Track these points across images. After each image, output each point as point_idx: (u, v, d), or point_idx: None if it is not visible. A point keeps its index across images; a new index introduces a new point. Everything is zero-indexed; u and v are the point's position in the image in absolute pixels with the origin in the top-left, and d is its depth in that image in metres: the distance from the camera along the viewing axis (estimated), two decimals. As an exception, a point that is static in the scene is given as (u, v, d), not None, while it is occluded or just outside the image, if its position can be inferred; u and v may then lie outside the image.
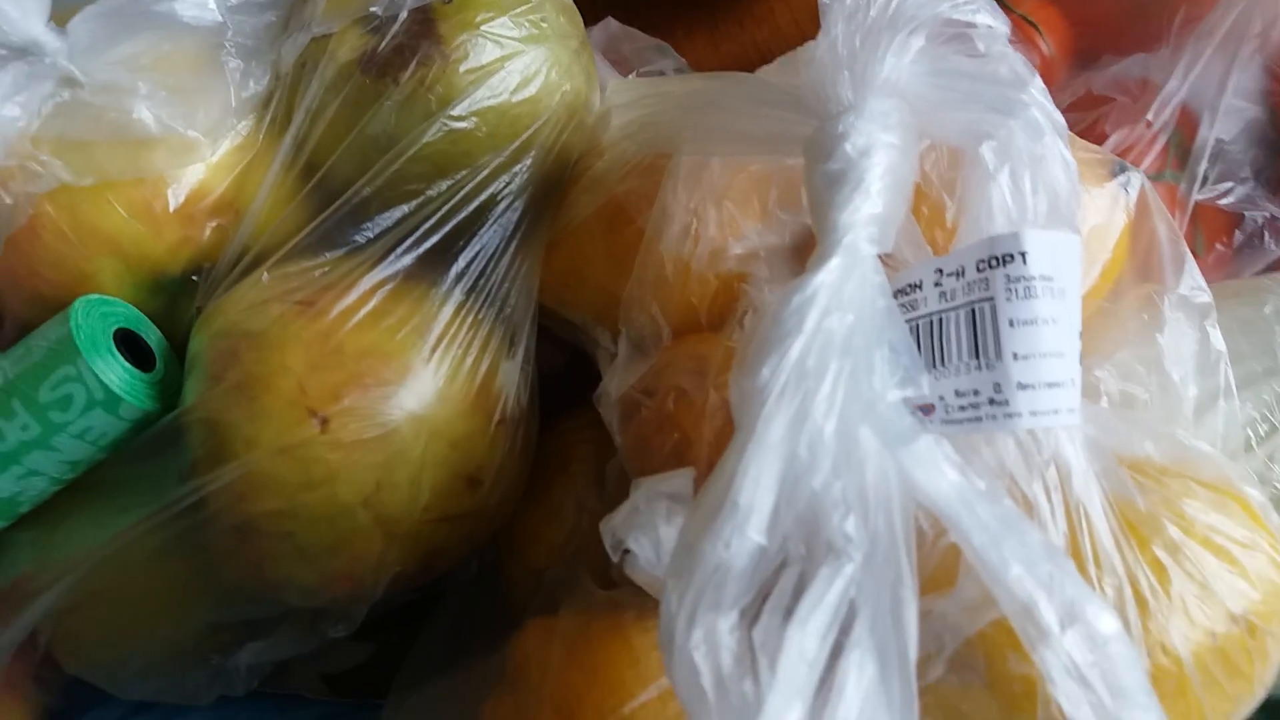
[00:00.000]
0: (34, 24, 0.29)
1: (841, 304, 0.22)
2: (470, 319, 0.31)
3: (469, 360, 0.31)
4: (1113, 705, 0.20)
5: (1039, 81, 0.24)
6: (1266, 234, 0.36)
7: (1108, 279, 0.29)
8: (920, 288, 0.25)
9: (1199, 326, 0.28)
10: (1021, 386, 0.23)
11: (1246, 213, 0.36)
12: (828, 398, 0.21)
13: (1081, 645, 0.20)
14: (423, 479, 0.30)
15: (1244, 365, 0.30)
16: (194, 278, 0.32)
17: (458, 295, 0.31)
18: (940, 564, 0.24)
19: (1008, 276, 0.23)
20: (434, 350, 0.30)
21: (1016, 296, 0.23)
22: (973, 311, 0.23)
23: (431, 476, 0.30)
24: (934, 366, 0.24)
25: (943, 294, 0.24)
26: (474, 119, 0.30)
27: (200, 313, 0.32)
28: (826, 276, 0.23)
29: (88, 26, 0.30)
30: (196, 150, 0.30)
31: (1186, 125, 0.37)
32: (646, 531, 0.25)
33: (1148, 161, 0.36)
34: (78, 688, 0.38)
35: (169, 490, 0.30)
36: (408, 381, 0.29)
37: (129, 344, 0.31)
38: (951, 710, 0.24)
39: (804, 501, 0.21)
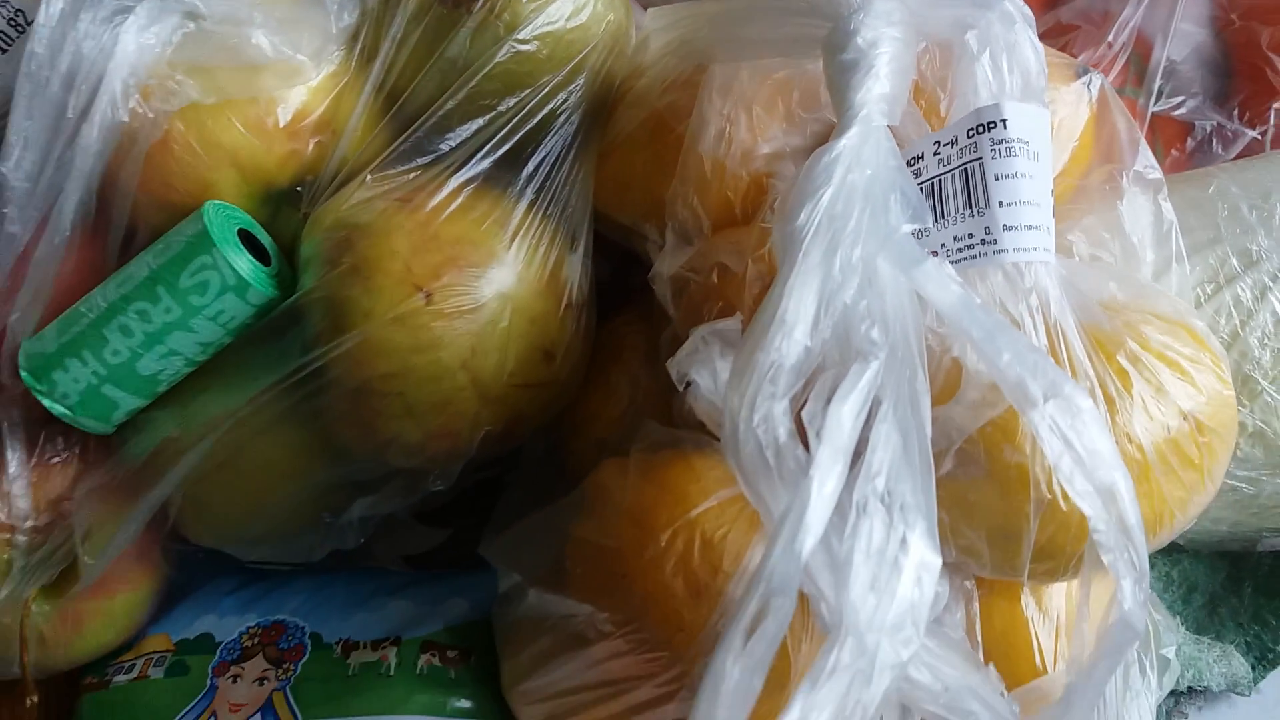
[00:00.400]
0: (165, -33, 0.34)
1: (861, 163, 0.28)
2: (540, 215, 0.36)
3: (540, 250, 0.36)
4: (1089, 461, 0.26)
5: (1013, -17, 0.30)
6: (1214, 139, 0.42)
7: (1077, 162, 0.34)
8: (922, 158, 0.31)
9: (1153, 200, 0.34)
10: (1007, 228, 0.29)
11: (1197, 122, 0.42)
12: (853, 233, 0.27)
13: (1062, 412, 0.26)
14: (508, 348, 0.35)
15: (1192, 236, 0.35)
16: (298, 189, 0.37)
17: (529, 195, 0.36)
18: (946, 378, 0.29)
19: (992, 140, 0.29)
20: (512, 240, 0.35)
21: (1000, 155, 0.29)
22: (965, 171, 0.29)
23: (515, 347, 0.35)
24: (936, 220, 0.30)
25: (940, 160, 0.30)
26: (535, 42, 0.36)
27: (308, 217, 0.37)
28: (848, 142, 0.28)
29: (210, -32, 0.35)
30: (302, 73, 0.36)
31: (1143, 48, 0.43)
32: (705, 364, 0.31)
33: (1110, 78, 0.42)
34: (195, 562, 0.44)
35: (291, 363, 0.35)
36: (493, 264, 0.35)
37: (248, 242, 0.36)
38: (960, 499, 0.30)
39: (838, 314, 0.27)
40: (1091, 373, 0.29)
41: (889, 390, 0.26)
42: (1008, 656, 0.32)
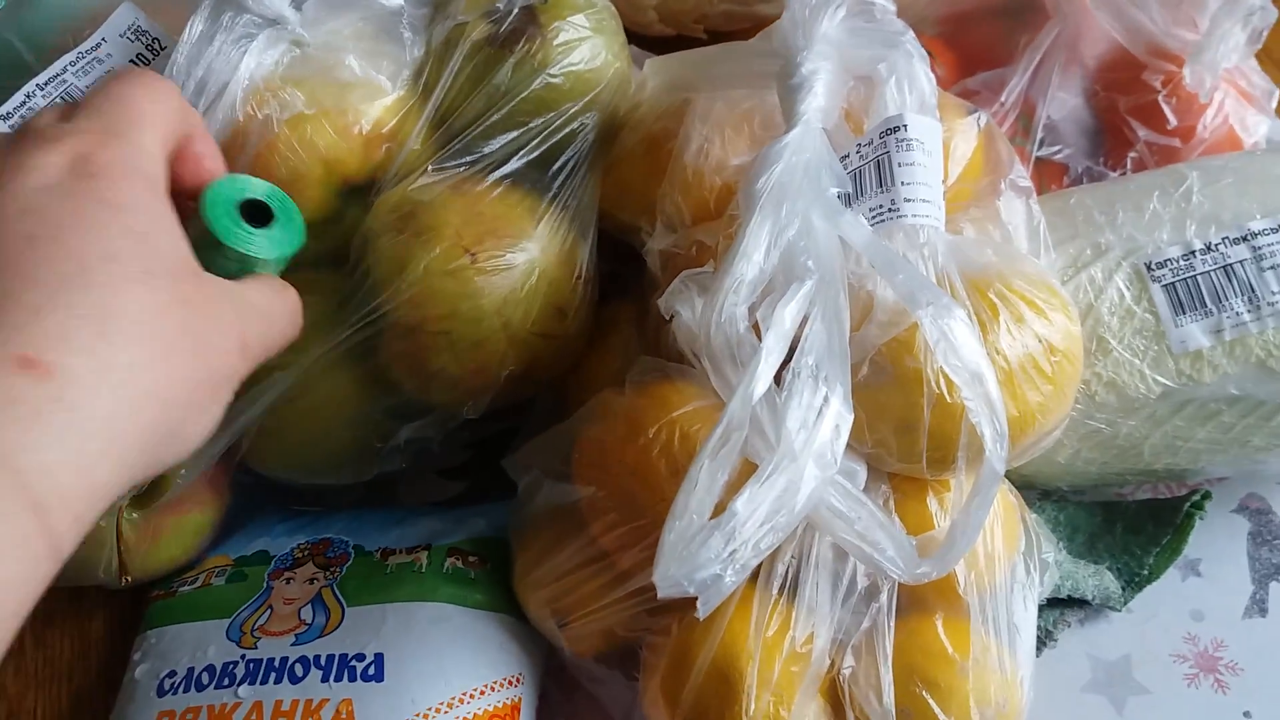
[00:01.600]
0: (281, 4, 0.45)
1: (802, 149, 0.39)
2: (560, 207, 0.47)
3: (560, 233, 0.46)
4: (961, 351, 0.36)
5: (911, 33, 0.41)
6: (1084, 179, 0.54)
7: (967, 176, 0.45)
8: (848, 157, 0.41)
9: (1025, 203, 0.45)
10: (907, 200, 0.39)
11: (1071, 165, 0.54)
12: (795, 193, 0.38)
13: (941, 314, 0.35)
14: (533, 303, 0.45)
15: (1056, 233, 0.46)
16: (368, 184, 0.48)
17: (552, 191, 0.47)
18: (861, 308, 0.40)
19: (897, 139, 0.40)
20: (539, 222, 0.46)
21: (902, 150, 0.40)
22: (877, 162, 0.40)
23: (537, 302, 0.45)
24: (856, 198, 0.40)
25: (860, 156, 0.41)
26: (561, 76, 0.47)
27: (374, 202, 0.47)
28: (794, 136, 0.39)
29: (313, 5, 0.46)
30: (381, 92, 0.47)
31: (1028, 108, 0.55)
32: (686, 300, 0.41)
33: (1003, 130, 0.54)
34: (253, 496, 0.52)
35: (358, 310, 0.45)
36: (524, 238, 0.45)
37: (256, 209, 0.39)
38: (873, 401, 0.39)
39: (784, 247, 0.37)
40: (967, 303, 0.39)
41: (819, 302, 0.36)
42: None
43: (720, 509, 0.33)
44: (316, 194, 0.47)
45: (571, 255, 0.47)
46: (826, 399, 0.35)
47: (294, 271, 0.49)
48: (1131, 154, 0.53)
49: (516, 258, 0.45)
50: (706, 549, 0.32)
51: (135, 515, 0.47)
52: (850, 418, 0.35)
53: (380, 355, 0.46)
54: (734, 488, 0.33)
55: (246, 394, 0.46)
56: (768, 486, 0.33)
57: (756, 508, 0.32)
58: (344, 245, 0.48)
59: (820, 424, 0.34)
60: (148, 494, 0.47)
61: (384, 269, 0.44)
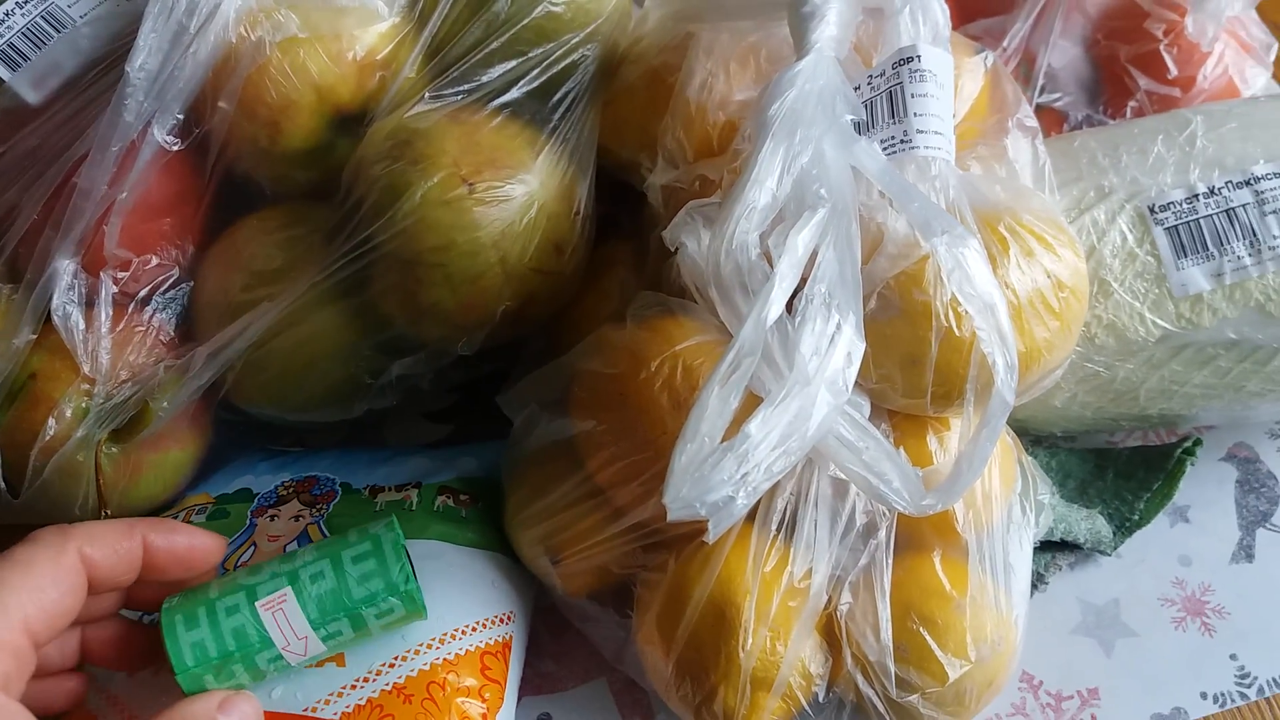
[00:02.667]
0: (274, -72, 0.44)
1: (815, 77, 0.38)
2: (560, 140, 0.46)
3: (559, 166, 0.45)
4: (979, 285, 0.35)
5: (926, -37, 0.40)
6: (1083, 126, 0.53)
7: (975, 113, 0.45)
8: (859, 88, 0.41)
9: (1031, 143, 0.45)
10: (920, 132, 0.39)
11: (1071, 113, 0.54)
12: (808, 120, 0.37)
13: (955, 242, 0.35)
14: (530, 237, 0.44)
15: (1061, 175, 0.46)
16: (361, 114, 0.46)
17: (552, 123, 0.46)
18: (871, 241, 0.39)
19: (910, 70, 0.39)
20: (539, 154, 0.45)
21: (916, 81, 0.39)
22: (890, 93, 0.39)
23: (535, 237, 0.44)
24: (869, 129, 0.40)
25: (872, 88, 0.40)
26: (563, 6, 0.46)
27: (367, 131, 0.46)
28: (806, 64, 0.38)
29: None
30: (377, 17, 0.45)
31: (1029, 56, 0.54)
32: (691, 232, 0.40)
33: (1005, 76, 0.53)
34: (234, 435, 0.51)
35: (349, 241, 0.43)
36: (522, 170, 0.44)
37: None
38: (880, 334, 0.39)
39: (796, 174, 0.36)
40: (979, 236, 0.39)
41: (831, 230, 0.36)
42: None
43: (730, 436, 0.32)
44: (308, 122, 0.45)
45: (570, 190, 0.46)
46: (839, 326, 0.34)
47: (282, 203, 0.48)
48: (1131, 103, 0.53)
49: (515, 190, 0.43)
50: (719, 471, 0.31)
51: (114, 449, 0.46)
52: (862, 346, 0.35)
53: (371, 289, 0.45)
54: (737, 423, 0.32)
55: (230, 327, 0.45)
56: (780, 410, 0.32)
57: (769, 431, 0.32)
58: (334, 178, 0.46)
59: (833, 351, 0.34)
60: (127, 428, 0.46)
61: (377, 198, 0.43)
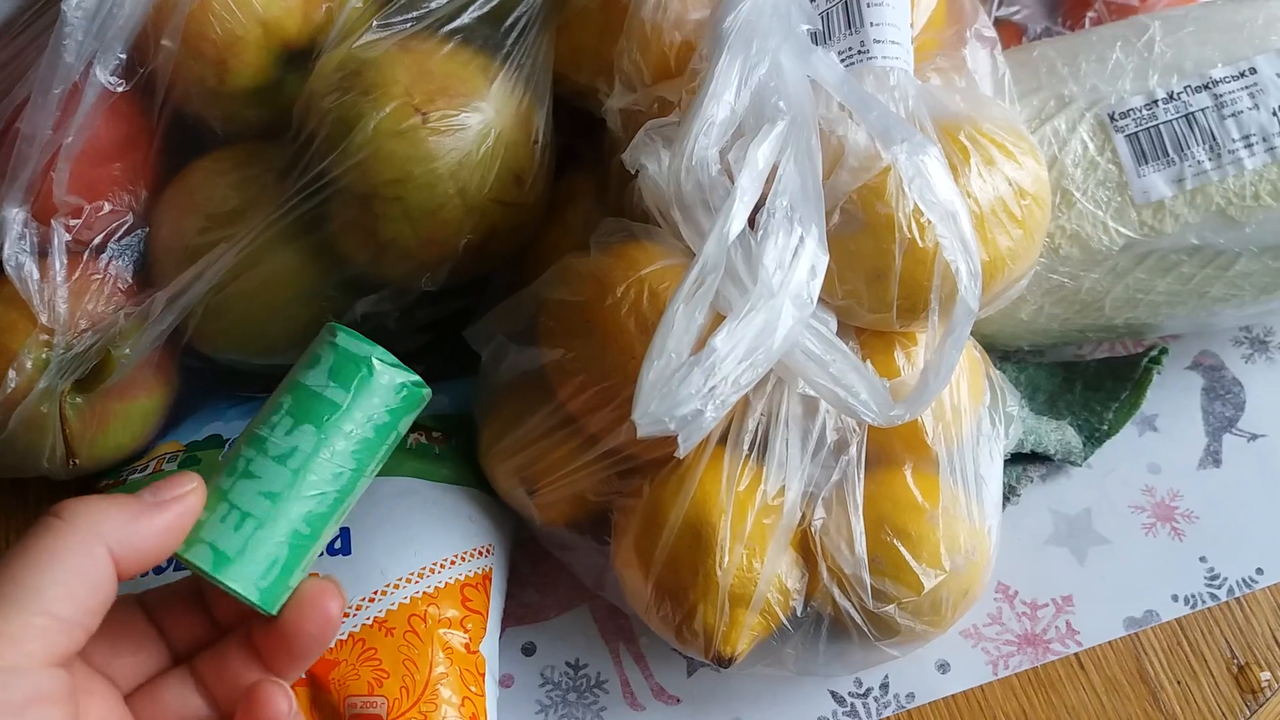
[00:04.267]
0: None
1: (770, -11, 0.37)
2: (514, 66, 0.45)
3: (515, 93, 0.44)
4: (940, 193, 0.35)
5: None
6: (1042, 39, 0.53)
7: (933, 24, 0.44)
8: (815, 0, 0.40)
9: (990, 53, 0.44)
10: (876, 42, 0.38)
11: (1029, 25, 0.53)
12: (765, 31, 0.36)
13: (916, 150, 0.35)
14: (489, 167, 0.43)
15: (1021, 85, 0.46)
16: (308, 50, 0.45)
17: (505, 49, 0.45)
18: (832, 154, 0.39)
19: (866, -21, 0.38)
20: (493, 80, 0.44)
21: (871, -11, 0.38)
22: (845, 3, 0.39)
23: (494, 167, 0.43)
24: (826, 41, 0.39)
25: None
26: (511, -72, 0.45)
27: (316, 64, 0.44)
28: (760, -25, 0.38)
29: None
30: (321, -52, 0.44)
31: (989, -33, 0.54)
32: (651, 154, 0.39)
33: (964, -11, 0.52)
34: (201, 382, 0.50)
35: (302, 177, 0.43)
36: (476, 98, 0.43)
37: None
38: (844, 249, 0.38)
39: (754, 87, 0.36)
40: (939, 144, 0.38)
41: (791, 143, 0.36)
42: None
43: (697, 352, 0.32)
44: (255, 58, 0.44)
45: (528, 119, 0.45)
46: (802, 239, 0.34)
47: (234, 143, 0.47)
48: (1090, 14, 0.52)
49: (471, 118, 0.43)
50: (687, 385, 0.31)
51: (79, 400, 0.45)
52: (825, 259, 0.34)
53: (330, 226, 0.44)
54: (703, 341, 0.32)
55: (188, 271, 0.44)
56: (746, 323, 0.32)
57: (735, 344, 0.32)
58: (286, 115, 0.45)
59: (796, 264, 0.34)
60: (91, 377, 0.45)
61: (329, 131, 0.42)
